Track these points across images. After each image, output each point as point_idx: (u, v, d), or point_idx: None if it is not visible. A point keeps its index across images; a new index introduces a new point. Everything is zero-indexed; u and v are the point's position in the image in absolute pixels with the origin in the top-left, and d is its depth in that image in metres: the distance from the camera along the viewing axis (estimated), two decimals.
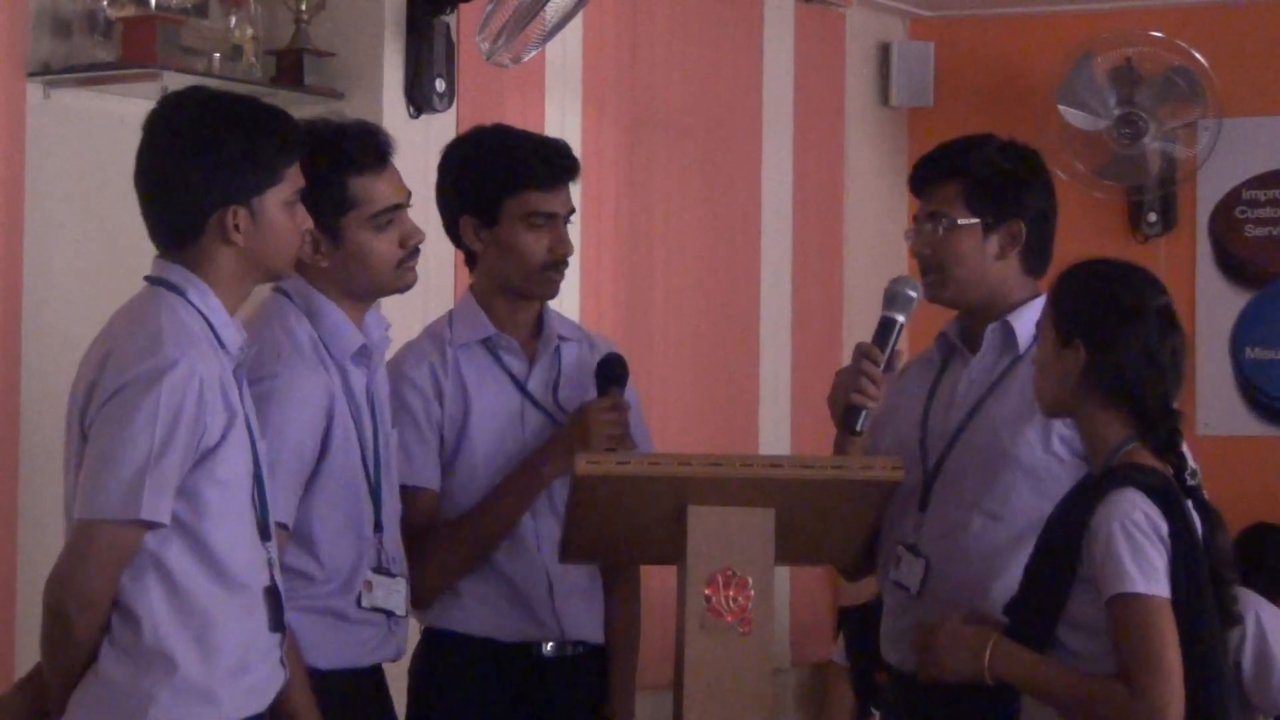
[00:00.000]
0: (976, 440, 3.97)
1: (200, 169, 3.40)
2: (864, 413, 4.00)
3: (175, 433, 3.28)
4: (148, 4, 5.28)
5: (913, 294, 4.06)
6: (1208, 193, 7.87)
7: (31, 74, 5.16)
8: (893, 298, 4.08)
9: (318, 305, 3.82)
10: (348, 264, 3.83)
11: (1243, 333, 7.76)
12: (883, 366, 4.01)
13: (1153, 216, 7.85)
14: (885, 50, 8.08)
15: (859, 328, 7.56)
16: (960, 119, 7.88)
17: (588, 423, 4.06)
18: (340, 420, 3.77)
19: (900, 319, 4.05)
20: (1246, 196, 7.85)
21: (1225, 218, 7.87)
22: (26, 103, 5.13)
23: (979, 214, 3.99)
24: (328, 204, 3.75)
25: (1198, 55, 7.66)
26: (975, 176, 4.01)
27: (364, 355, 3.85)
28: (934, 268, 4.03)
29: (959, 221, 3.99)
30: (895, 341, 4.04)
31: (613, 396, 4.11)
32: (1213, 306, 7.81)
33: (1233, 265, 7.84)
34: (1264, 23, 7.82)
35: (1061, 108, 7.65)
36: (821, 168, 7.64)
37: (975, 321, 4.05)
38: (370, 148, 3.86)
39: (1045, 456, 3.90)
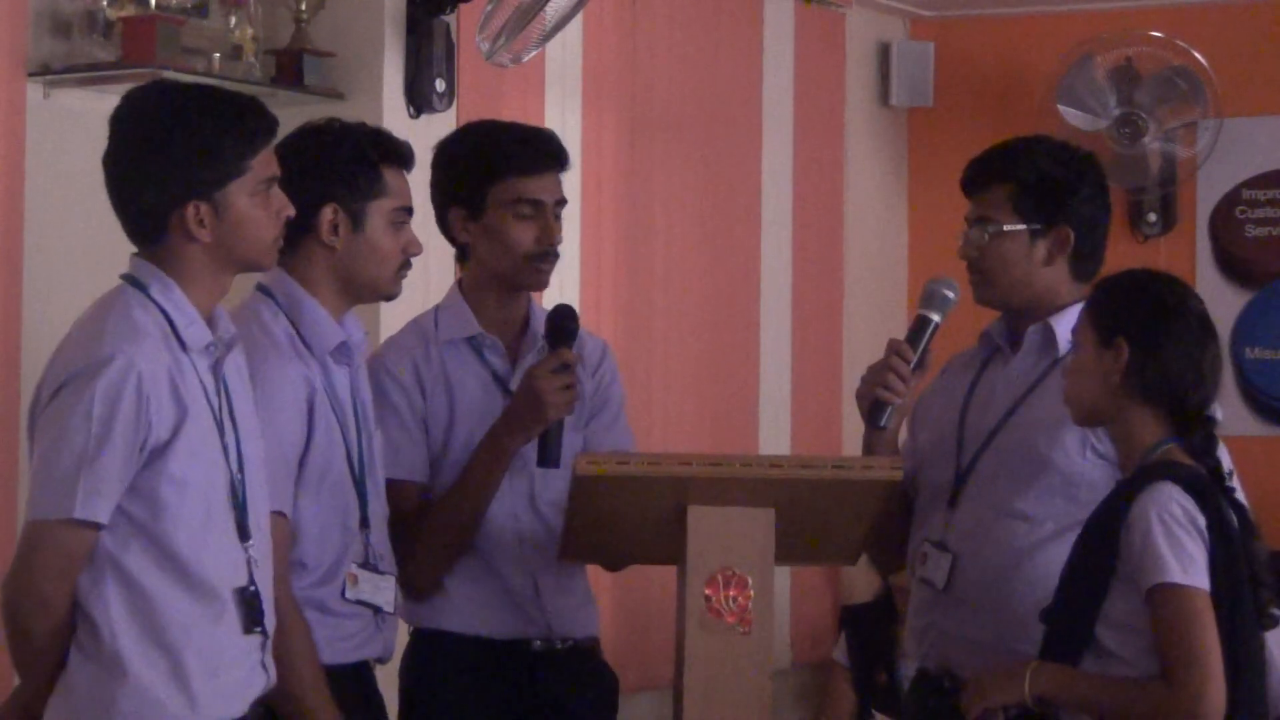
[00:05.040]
0: (1011, 442, 3.96)
1: (156, 165, 3.33)
2: (890, 408, 4.00)
3: (111, 429, 3.20)
4: (148, 4, 5.27)
5: (950, 294, 4.05)
6: (1208, 193, 7.87)
7: (31, 74, 5.16)
8: (930, 296, 4.06)
9: (299, 301, 3.81)
10: (360, 252, 3.83)
11: (1243, 333, 7.75)
12: (913, 364, 4.00)
13: (1153, 216, 7.85)
14: (885, 50, 8.08)
15: (859, 328, 7.58)
16: (960, 119, 7.92)
17: (535, 388, 4.00)
18: (322, 413, 3.76)
19: (935, 318, 4.03)
20: (1246, 196, 7.85)
21: (1225, 218, 7.86)
22: (26, 103, 5.12)
23: (1026, 219, 3.98)
24: (361, 187, 3.79)
25: (1198, 55, 7.65)
26: (1023, 181, 3.99)
27: (344, 352, 3.83)
28: (980, 271, 4.02)
29: (1005, 227, 3.98)
30: (928, 340, 4.03)
31: (560, 354, 4.03)
32: (1213, 306, 7.53)
33: (1232, 265, 7.84)
34: (1264, 23, 7.82)
35: (1061, 108, 7.65)
36: (821, 168, 7.64)
37: (1020, 322, 4.05)
38: (404, 148, 3.92)
39: (1081, 462, 3.89)
